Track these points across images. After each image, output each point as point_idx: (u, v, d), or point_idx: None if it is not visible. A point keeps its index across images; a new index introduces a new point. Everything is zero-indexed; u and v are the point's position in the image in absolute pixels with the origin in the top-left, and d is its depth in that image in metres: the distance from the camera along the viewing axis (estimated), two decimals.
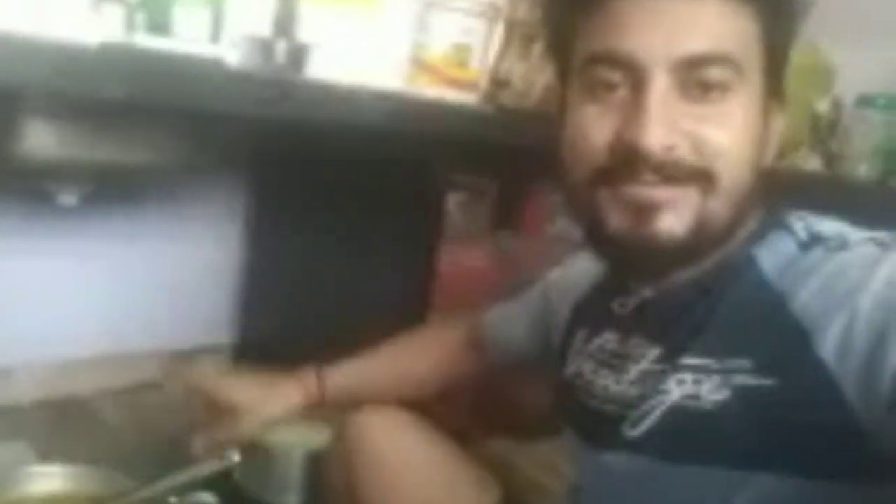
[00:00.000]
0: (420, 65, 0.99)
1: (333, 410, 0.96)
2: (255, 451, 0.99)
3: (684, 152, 0.59)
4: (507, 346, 0.94)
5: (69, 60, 0.64)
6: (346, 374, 0.95)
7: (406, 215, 1.20)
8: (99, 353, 1.27)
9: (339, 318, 1.21)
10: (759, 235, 0.64)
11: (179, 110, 0.79)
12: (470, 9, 0.99)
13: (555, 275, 0.90)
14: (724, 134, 0.60)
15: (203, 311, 1.36)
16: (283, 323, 1.32)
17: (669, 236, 0.60)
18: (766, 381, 0.58)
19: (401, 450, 0.87)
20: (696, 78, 0.59)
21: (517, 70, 1.12)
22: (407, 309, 1.03)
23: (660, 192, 0.60)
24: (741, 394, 0.59)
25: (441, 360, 0.98)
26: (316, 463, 1.04)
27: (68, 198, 0.94)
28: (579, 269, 0.83)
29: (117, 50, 0.69)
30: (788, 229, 0.64)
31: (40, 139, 0.82)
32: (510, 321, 0.94)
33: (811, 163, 1.09)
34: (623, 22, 0.60)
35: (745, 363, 0.59)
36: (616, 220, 0.62)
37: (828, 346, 0.55)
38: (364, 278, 1.20)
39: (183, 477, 0.85)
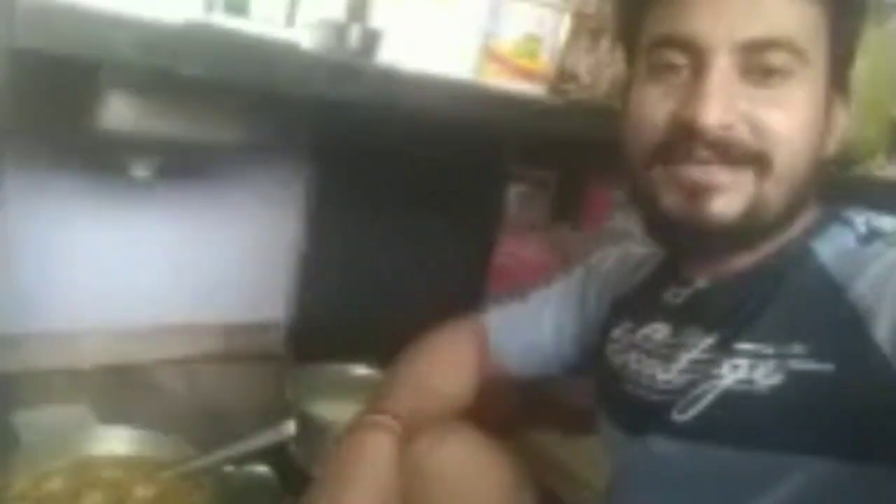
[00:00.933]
0: (490, 55, 0.99)
1: None
2: (311, 425, 1.00)
3: (741, 133, 0.60)
4: (524, 354, 0.90)
5: (152, 37, 0.66)
6: (401, 407, 0.86)
7: (466, 205, 1.21)
8: (160, 323, 1.31)
9: (394, 302, 1.22)
10: (818, 229, 0.65)
11: (252, 89, 0.80)
12: (541, 0, 0.99)
13: (587, 272, 0.89)
14: (783, 118, 0.60)
15: (261, 288, 1.39)
16: (338, 304, 1.34)
17: (721, 218, 0.61)
18: (822, 366, 0.58)
19: (462, 473, 0.84)
20: (757, 62, 0.60)
21: (584, 63, 1.11)
22: (462, 297, 1.03)
23: (714, 174, 0.61)
24: (796, 378, 0.59)
25: (465, 377, 0.91)
26: None
27: (141, 171, 0.97)
28: (616, 265, 0.84)
29: (197, 29, 0.70)
30: (849, 223, 0.64)
31: (119, 113, 0.85)
32: (529, 323, 0.90)
33: (889, 170, 1.06)
34: (687, 6, 0.62)
35: (800, 348, 0.59)
36: (670, 199, 0.63)
37: (882, 332, 0.56)
38: (420, 265, 1.21)
39: (240, 447, 0.87)
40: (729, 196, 0.61)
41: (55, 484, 0.86)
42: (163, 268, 1.28)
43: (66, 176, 1.15)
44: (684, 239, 0.66)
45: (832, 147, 0.67)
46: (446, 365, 0.90)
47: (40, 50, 0.59)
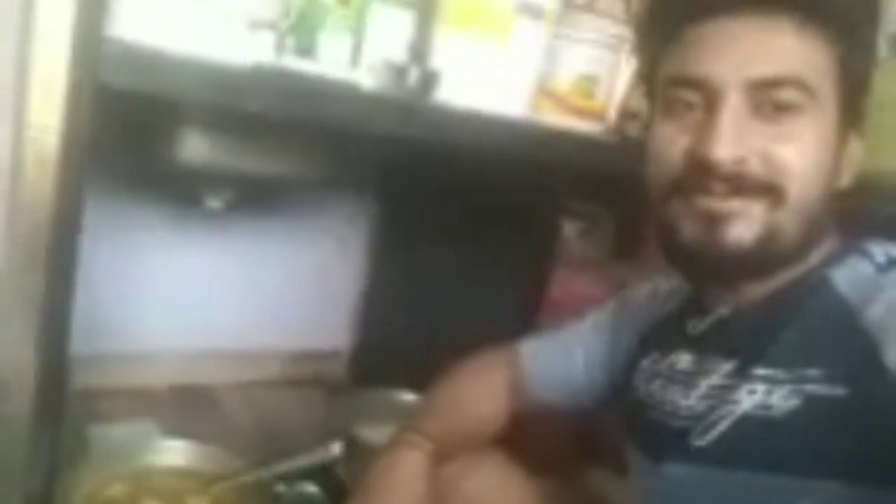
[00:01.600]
0: (546, 94, 1.01)
1: None
2: (358, 447, 1.03)
3: (753, 166, 0.62)
4: (556, 384, 0.91)
5: (225, 78, 0.71)
6: (434, 427, 0.90)
7: (523, 240, 1.23)
8: (228, 348, 1.37)
9: (450, 334, 1.24)
10: (836, 259, 0.66)
11: (317, 127, 0.85)
12: (597, 40, 1.01)
13: (619, 305, 0.90)
14: (794, 152, 0.62)
15: (324, 318, 1.44)
16: (397, 335, 1.37)
17: (738, 245, 0.63)
18: (837, 390, 0.59)
19: (493, 499, 0.87)
20: (768, 98, 0.62)
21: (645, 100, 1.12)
22: (516, 330, 1.04)
23: (729, 203, 0.63)
24: (812, 402, 0.60)
25: (498, 402, 0.93)
26: None
27: (215, 202, 1.03)
28: (647, 299, 0.85)
29: (267, 71, 0.75)
30: (867, 254, 0.65)
31: (195, 148, 0.91)
32: (563, 354, 0.91)
33: None
34: (700, 47, 0.65)
35: (816, 373, 0.60)
36: (688, 228, 0.66)
37: (893, 355, 0.57)
38: (478, 298, 1.23)
39: (289, 464, 0.90)
40: (744, 224, 0.63)
41: (116, 490, 0.91)
42: (231, 296, 1.34)
43: (143, 207, 1.22)
44: (703, 267, 0.68)
45: (848, 179, 0.68)
46: (480, 389, 0.93)
47: (123, 87, 0.64)
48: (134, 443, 0.99)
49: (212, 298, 1.32)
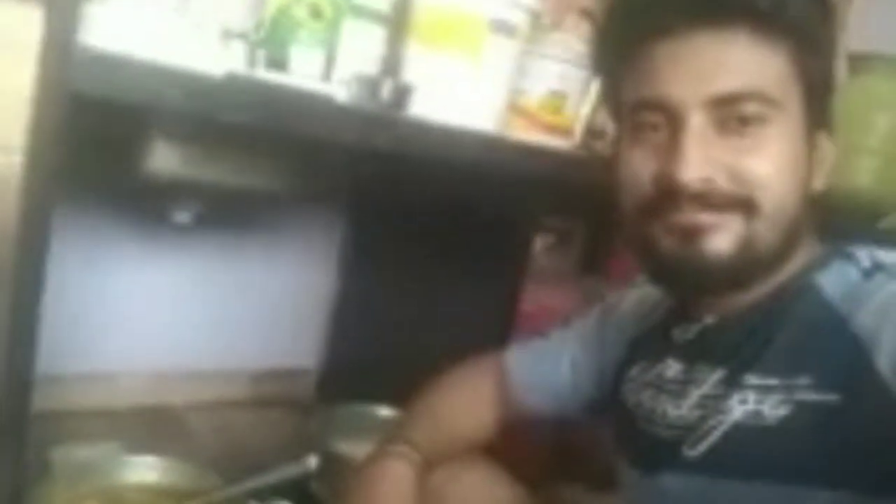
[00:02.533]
0: (516, 110, 1.02)
1: None
2: (333, 461, 1.02)
3: (722, 183, 0.63)
4: (541, 390, 0.91)
5: (196, 85, 0.70)
6: (420, 437, 0.89)
7: (494, 255, 1.23)
8: (193, 368, 1.34)
9: (422, 350, 1.24)
10: (821, 263, 0.66)
11: (288, 139, 0.85)
12: (565, 57, 1.02)
13: (605, 313, 0.90)
14: (763, 163, 0.63)
15: (293, 336, 1.42)
16: (367, 352, 1.36)
17: (717, 255, 0.64)
18: (828, 397, 0.59)
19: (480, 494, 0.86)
20: (731, 113, 0.63)
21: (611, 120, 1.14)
22: (487, 345, 1.04)
23: (704, 217, 0.64)
24: (803, 409, 0.60)
25: (486, 411, 0.93)
26: None
27: (183, 216, 1.01)
28: (634, 306, 0.85)
29: (239, 80, 0.75)
30: (852, 258, 0.65)
31: (162, 160, 0.89)
32: (549, 360, 0.91)
33: None
34: (659, 68, 0.65)
35: (806, 380, 0.61)
36: (666, 243, 0.66)
37: (884, 361, 0.57)
38: (448, 313, 1.23)
39: (263, 479, 0.89)
40: (721, 236, 0.64)
41: None
42: (198, 313, 1.32)
43: (109, 221, 1.20)
44: (684, 280, 0.68)
45: (821, 180, 0.69)
46: (466, 398, 0.92)
47: (93, 94, 0.63)
48: (103, 460, 0.97)
49: (178, 316, 1.30)
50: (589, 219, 1.29)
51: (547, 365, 0.91)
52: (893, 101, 1.05)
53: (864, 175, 1.06)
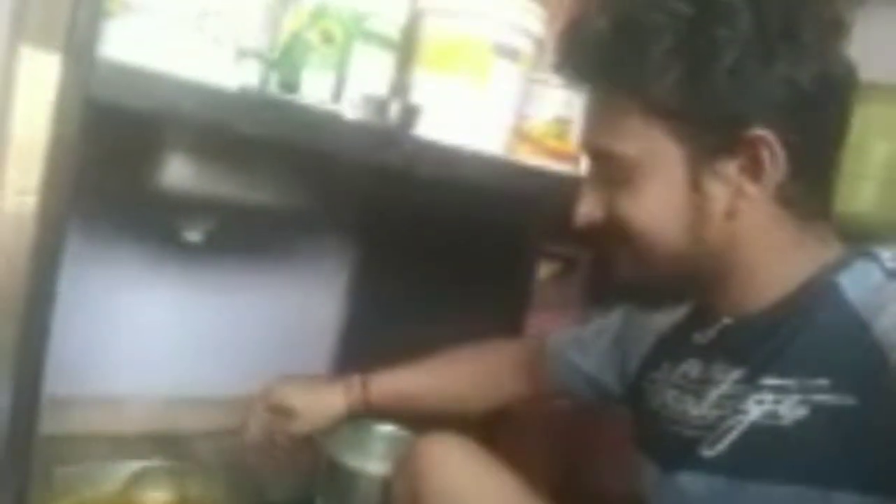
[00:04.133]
0: (521, 135, 1.05)
1: None
2: (338, 474, 1.02)
3: (608, 223, 0.69)
4: (571, 372, 0.96)
5: (211, 97, 0.72)
6: (391, 383, 1.01)
7: (499, 283, 1.24)
8: (201, 393, 1.34)
9: None
10: (843, 263, 0.66)
11: (300, 155, 0.87)
12: (570, 84, 1.05)
13: (629, 311, 0.93)
14: (634, 209, 0.67)
15: (302, 361, 1.42)
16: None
17: (635, 278, 0.71)
18: (845, 400, 0.59)
19: (468, 477, 0.87)
20: (605, 164, 0.68)
21: None
22: None
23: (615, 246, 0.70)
24: (820, 412, 0.60)
25: (488, 379, 1.03)
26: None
27: (193, 235, 1.03)
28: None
29: (253, 94, 0.78)
30: (875, 258, 0.65)
31: (173, 177, 0.92)
32: (580, 346, 0.96)
33: None
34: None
35: (824, 382, 0.61)
36: (619, 260, 0.72)
37: None
38: (454, 339, 1.23)
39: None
40: (629, 262, 0.70)
41: None
42: (206, 338, 1.33)
43: (117, 243, 1.21)
44: (644, 293, 0.73)
45: (728, 216, 0.65)
46: (506, 359, 1.03)
47: (112, 103, 0.66)
48: (110, 471, 0.97)
49: (186, 340, 1.31)
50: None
51: (579, 351, 0.97)
52: (892, 128, 1.07)
53: (864, 201, 1.08)
